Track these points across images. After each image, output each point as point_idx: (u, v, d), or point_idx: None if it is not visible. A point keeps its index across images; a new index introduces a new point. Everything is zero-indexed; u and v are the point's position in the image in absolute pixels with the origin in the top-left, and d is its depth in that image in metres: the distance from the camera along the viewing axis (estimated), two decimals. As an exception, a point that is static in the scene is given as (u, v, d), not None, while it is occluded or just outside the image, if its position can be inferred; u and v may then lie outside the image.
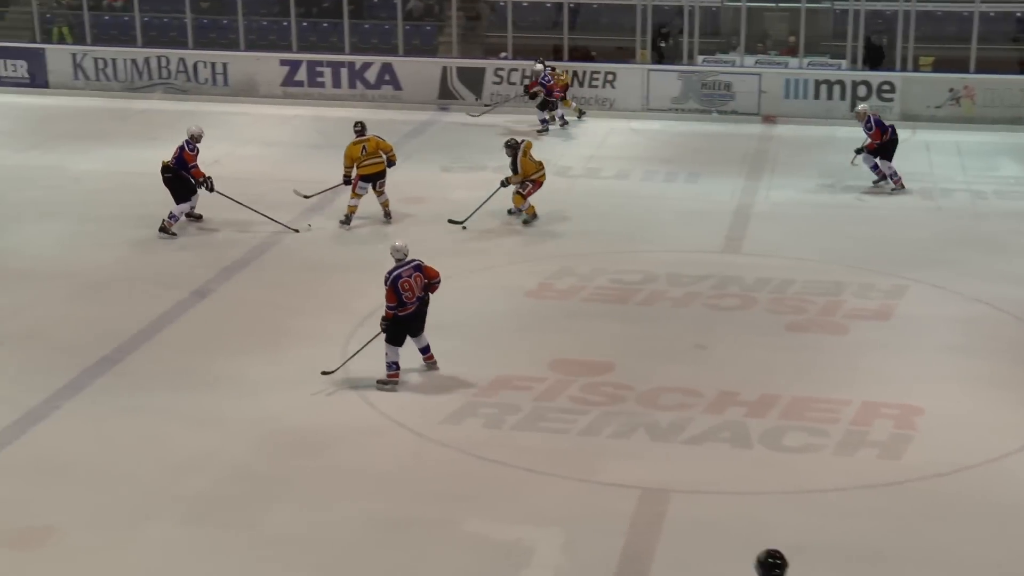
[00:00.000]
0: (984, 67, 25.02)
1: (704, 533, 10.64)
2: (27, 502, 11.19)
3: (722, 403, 13.00)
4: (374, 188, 18.68)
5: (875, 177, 20.61)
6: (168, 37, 28.05)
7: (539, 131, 24.18)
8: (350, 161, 18.81)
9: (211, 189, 18.36)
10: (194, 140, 18.45)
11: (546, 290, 16.24)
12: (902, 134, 20.97)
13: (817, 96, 25.20)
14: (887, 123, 20.74)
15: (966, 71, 24.97)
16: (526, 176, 18.73)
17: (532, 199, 18.82)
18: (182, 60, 27.32)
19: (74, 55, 27.81)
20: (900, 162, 20.60)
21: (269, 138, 23.77)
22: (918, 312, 15.48)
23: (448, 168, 21.94)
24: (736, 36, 26.27)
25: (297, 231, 18.31)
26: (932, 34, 25.99)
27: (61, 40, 28.54)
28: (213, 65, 27.17)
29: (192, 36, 27.74)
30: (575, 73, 25.68)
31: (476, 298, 15.93)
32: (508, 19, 26.75)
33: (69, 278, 16.52)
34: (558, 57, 26.10)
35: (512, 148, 18.84)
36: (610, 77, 25.82)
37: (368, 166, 18.73)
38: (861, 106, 21.60)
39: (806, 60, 25.81)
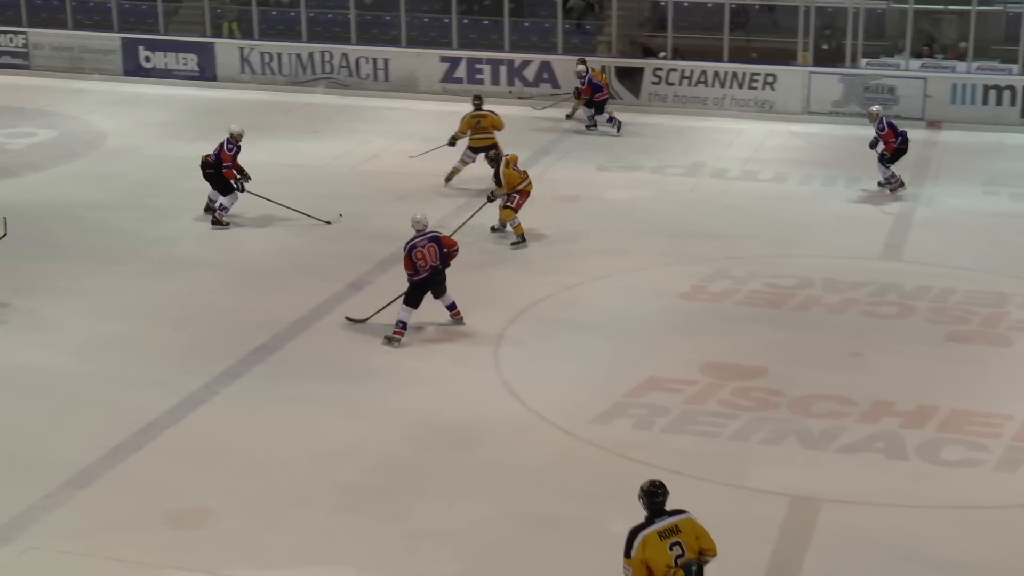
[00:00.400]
0: None
1: (855, 545, 10.44)
2: (186, 483, 11.48)
3: (877, 412, 12.74)
4: (486, 157, 19.00)
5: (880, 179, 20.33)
6: (332, 33, 28.49)
7: (586, 126, 24.22)
8: (465, 127, 20.43)
9: (243, 190, 18.56)
10: (235, 139, 18.63)
11: (699, 292, 16.10)
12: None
13: (985, 102, 24.51)
14: (900, 129, 20.31)
15: None
16: (511, 188, 17.80)
17: (522, 215, 17.92)
18: (345, 55, 27.73)
19: (241, 49, 28.44)
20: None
21: (427, 133, 23.92)
22: (1086, 326, 15.00)
23: (604, 167, 21.89)
24: (901, 39, 25.71)
25: (328, 223, 18.44)
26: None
27: (230, 35, 29.19)
28: (375, 61, 27.52)
29: (355, 32, 28.12)
30: (735, 74, 25.43)
31: (628, 298, 15.87)
32: (668, 19, 26.56)
33: (230, 267, 16.90)
34: (717, 57, 25.86)
35: (494, 161, 18.07)
36: (770, 79, 25.48)
37: (478, 139, 20.23)
38: (874, 107, 21.03)
39: (974, 64, 25.13)
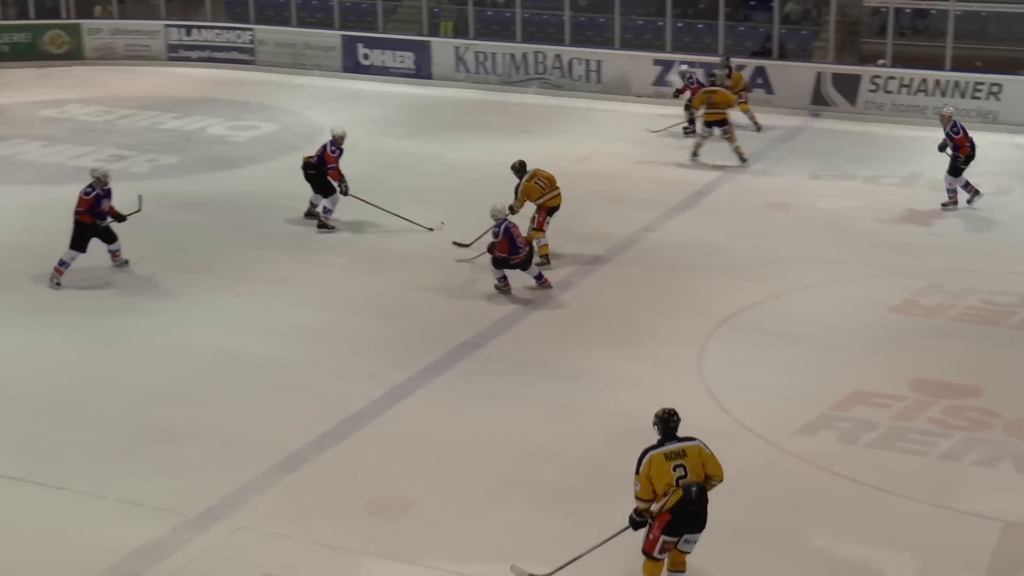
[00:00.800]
0: None
1: (1070, 575, 10.06)
2: (389, 473, 11.71)
3: (1099, 439, 12.24)
4: (723, 134, 20.96)
5: (967, 195, 19.38)
6: (546, 33, 28.65)
7: (686, 131, 23.75)
8: (698, 103, 21.95)
9: (346, 192, 18.49)
10: (337, 142, 18.55)
11: (911, 306, 15.68)
12: None
13: None
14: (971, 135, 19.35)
15: None
16: (528, 199, 17.12)
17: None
18: (558, 56, 27.88)
19: (457, 48, 28.84)
20: None
21: (639, 136, 23.94)
22: None
23: (817, 175, 21.51)
24: None
25: (431, 229, 18.14)
26: None
27: (446, 34, 29.63)
28: (587, 62, 27.59)
29: (569, 33, 28.25)
30: (956, 83, 24.69)
31: (837, 309, 15.57)
32: (889, 26, 25.97)
33: (438, 263, 17.14)
34: (939, 66, 25.16)
35: (517, 171, 17.36)
36: (995, 89, 24.64)
37: (711, 114, 21.60)
38: (946, 110, 19.90)
39: None
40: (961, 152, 19.28)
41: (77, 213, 16.53)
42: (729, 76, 24.14)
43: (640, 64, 27.28)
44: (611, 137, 23.91)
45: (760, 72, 26.18)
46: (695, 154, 21.80)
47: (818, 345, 14.45)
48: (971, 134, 19.48)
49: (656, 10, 28.03)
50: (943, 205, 19.40)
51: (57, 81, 29.28)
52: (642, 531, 9.65)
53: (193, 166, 22.20)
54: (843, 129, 24.05)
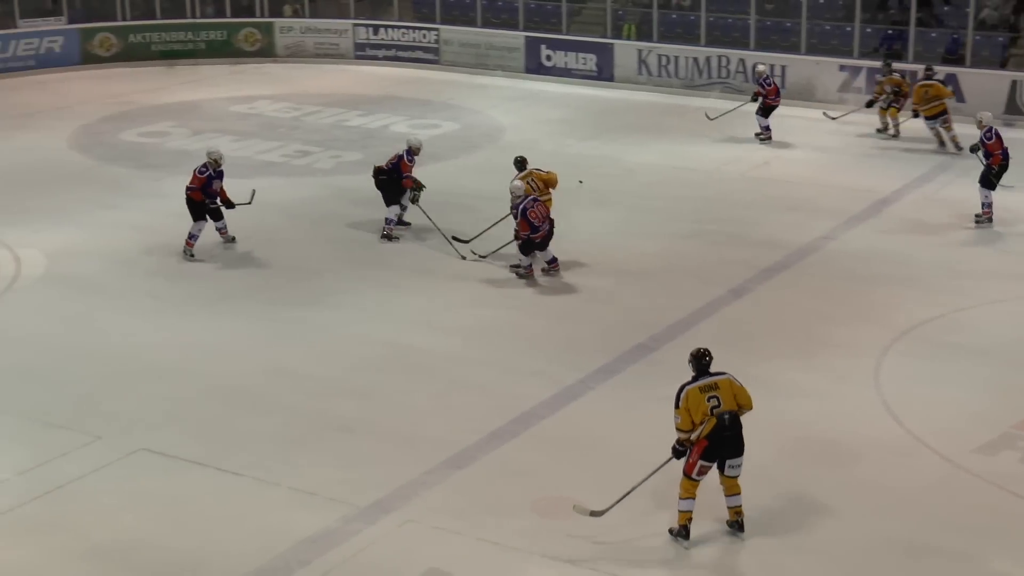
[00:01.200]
0: None
1: None
2: (557, 474, 11.73)
3: None
4: (940, 124, 21.83)
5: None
6: (730, 37, 28.38)
7: (760, 138, 23.46)
8: (917, 98, 22.49)
9: (415, 201, 18.22)
10: (413, 152, 18.37)
11: (1104, 325, 15.12)
12: None
13: None
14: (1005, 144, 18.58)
15: None
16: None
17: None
18: (742, 61, 27.58)
19: (639, 51, 28.76)
20: None
21: (820, 143, 23.56)
22: None
23: (1008, 187, 20.80)
24: None
25: (464, 258, 17.37)
26: None
27: (628, 36, 29.57)
28: (771, 67, 27.23)
29: (754, 37, 27.93)
30: None
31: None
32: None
33: (614, 265, 17.12)
34: None
35: (517, 165, 17.46)
36: None
37: (930, 108, 22.25)
38: (985, 114, 19.00)
39: None
40: (993, 161, 18.51)
41: (189, 189, 17.40)
42: (886, 76, 23.83)
43: (826, 70, 26.81)
44: (792, 142, 23.56)
45: (951, 79, 25.47)
46: (943, 144, 22.66)
47: (1002, 361, 14.01)
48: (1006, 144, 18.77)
49: (844, 15, 27.53)
50: (976, 219, 18.65)
51: (249, 78, 30.11)
52: (683, 460, 10.61)
53: (376, 163, 22.48)
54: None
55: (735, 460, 10.53)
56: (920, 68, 23.90)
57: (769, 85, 23.76)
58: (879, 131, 23.77)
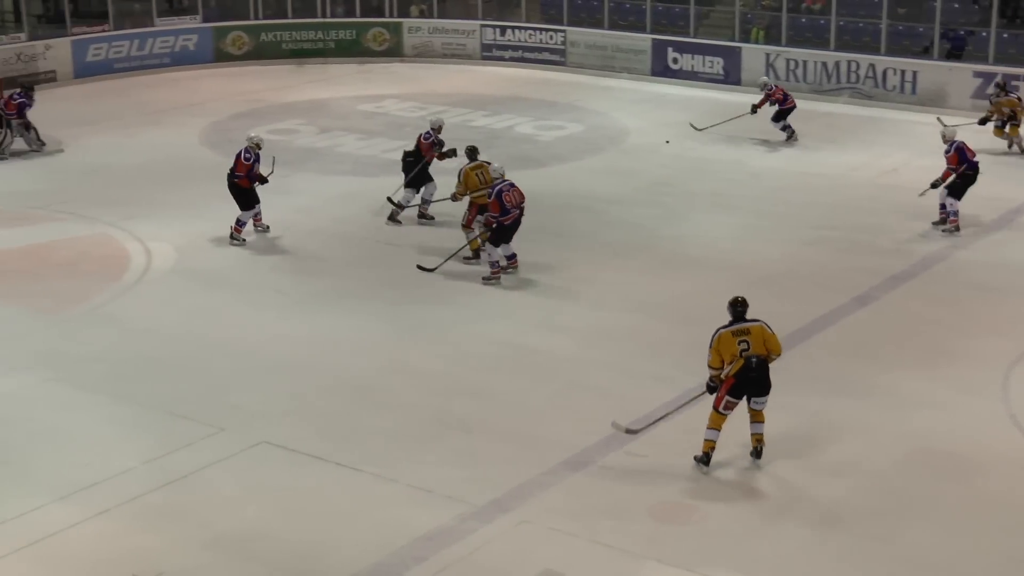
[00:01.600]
0: None
1: None
2: (674, 478, 11.67)
3: None
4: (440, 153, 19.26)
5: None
6: (860, 41, 27.97)
7: (788, 139, 23.83)
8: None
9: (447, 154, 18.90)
10: (435, 131, 19.23)
11: None
12: None
13: None
14: (971, 154, 18.39)
15: None
16: (468, 190, 17.28)
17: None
18: (872, 66, 27.17)
19: (768, 55, 28.49)
20: None
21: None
22: None
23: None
24: None
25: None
26: None
27: (757, 40, 29.30)
28: (903, 73, 26.81)
29: (885, 42, 27.50)
30: None
31: None
32: None
33: (735, 270, 16.98)
34: None
35: (468, 153, 17.80)
36: None
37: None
38: (947, 129, 19.08)
39: None
40: (943, 175, 18.48)
41: (237, 177, 17.97)
42: (999, 96, 23.24)
43: (959, 76, 26.29)
44: (922, 150, 23.06)
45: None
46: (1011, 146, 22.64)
47: None
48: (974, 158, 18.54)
49: (980, 19, 26.97)
50: (941, 231, 18.48)
51: (376, 77, 30.44)
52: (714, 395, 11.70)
53: (499, 163, 22.59)
54: None
55: (759, 399, 11.74)
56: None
57: (772, 91, 23.80)
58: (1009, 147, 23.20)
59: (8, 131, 22.81)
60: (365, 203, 19.93)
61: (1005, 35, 26.55)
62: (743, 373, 11.55)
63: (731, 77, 28.79)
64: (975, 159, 18.52)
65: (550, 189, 20.82)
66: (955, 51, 26.43)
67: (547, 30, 31.35)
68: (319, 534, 10.77)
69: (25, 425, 12.68)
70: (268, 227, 18.51)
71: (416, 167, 18.95)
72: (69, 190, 20.78)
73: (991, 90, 23.97)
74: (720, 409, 11.70)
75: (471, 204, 17.44)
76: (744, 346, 11.56)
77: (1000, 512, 11.08)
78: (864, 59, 27.31)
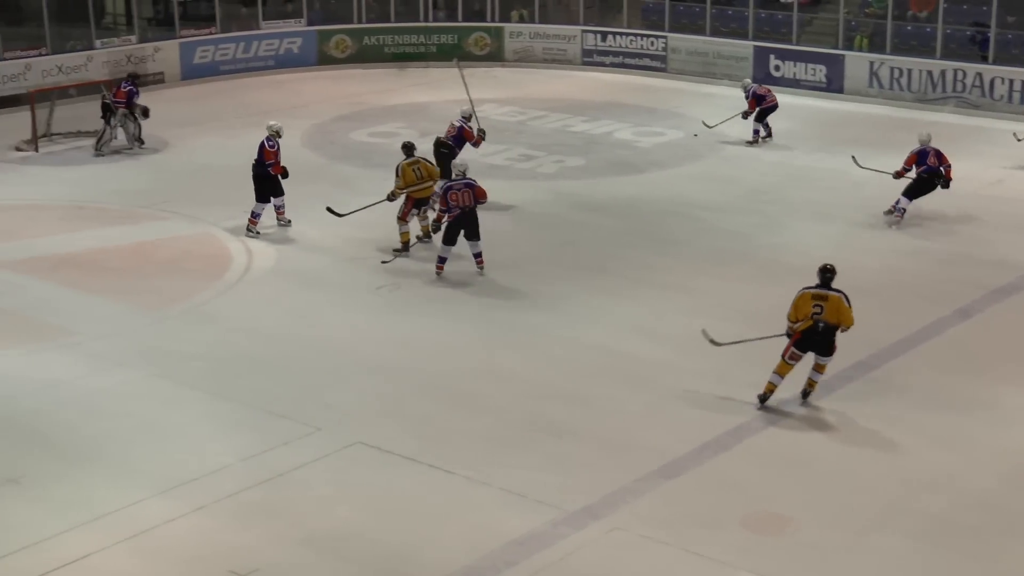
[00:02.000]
0: None
1: None
2: (768, 489, 11.59)
3: None
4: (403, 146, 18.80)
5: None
6: (968, 51, 27.53)
7: (750, 143, 24.07)
8: None
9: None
10: (466, 117, 20.37)
11: None
12: None
13: None
14: (934, 162, 18.91)
15: None
16: (406, 185, 17.64)
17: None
18: (979, 75, 26.71)
19: (871, 63, 28.13)
20: None
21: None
22: None
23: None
24: None
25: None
26: None
27: (861, 48, 28.95)
28: (1011, 82, 26.32)
29: (993, 50, 27.02)
30: None
31: None
32: None
33: (837, 281, 16.76)
34: None
35: (404, 149, 18.02)
36: None
37: None
38: (924, 133, 19.62)
39: None
40: (897, 173, 19.28)
41: (268, 166, 18.51)
42: (748, 93, 24.10)
43: (1070, 85, 25.80)
44: (1030, 161, 22.76)
45: None
46: None
47: None
48: (936, 162, 19.02)
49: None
50: (890, 223, 19.23)
51: (477, 81, 30.35)
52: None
53: (597, 169, 22.67)
54: None
55: (823, 359, 13.00)
56: None
57: (750, 96, 24.10)
58: None
59: (108, 128, 23.35)
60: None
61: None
62: (809, 333, 12.79)
63: (833, 85, 28.47)
64: (935, 167, 18.99)
65: (648, 195, 20.79)
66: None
67: (648, 36, 31.24)
68: (411, 535, 10.84)
69: (127, 420, 12.92)
70: (290, 221, 18.95)
71: (451, 157, 19.46)
72: (173, 189, 21.14)
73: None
74: (786, 358, 12.94)
75: (407, 198, 17.82)
76: (818, 310, 12.76)
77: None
78: (971, 68, 26.87)
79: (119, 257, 17.89)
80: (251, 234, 18.54)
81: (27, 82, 26.73)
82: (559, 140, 24.86)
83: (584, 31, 32.06)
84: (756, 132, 24.25)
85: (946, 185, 19.05)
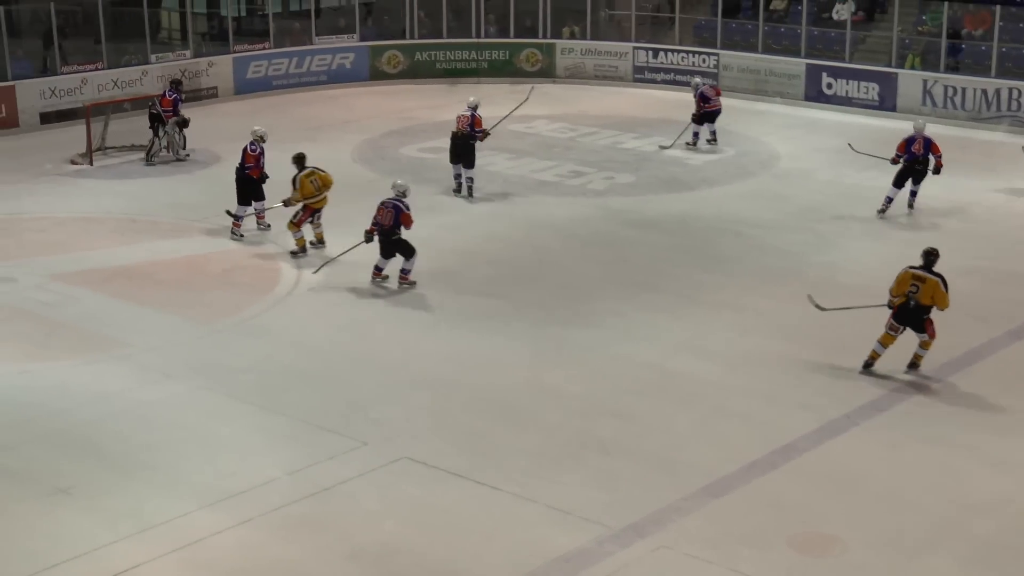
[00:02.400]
0: None
1: None
2: (816, 509, 11.51)
3: None
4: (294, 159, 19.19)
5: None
6: (1023, 69, 27.31)
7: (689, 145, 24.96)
8: None
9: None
10: (472, 108, 21.20)
11: None
12: None
13: None
14: (918, 150, 20.19)
15: None
16: (304, 196, 18.26)
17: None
18: (1034, 93, 26.53)
19: (925, 81, 27.94)
20: None
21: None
22: None
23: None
24: None
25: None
26: None
27: (914, 66, 28.76)
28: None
29: (1049, 69, 26.83)
30: None
31: None
32: None
33: (886, 297, 16.65)
34: None
35: (296, 162, 18.47)
36: None
37: None
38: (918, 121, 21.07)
39: None
40: (893, 160, 20.46)
41: (247, 169, 19.21)
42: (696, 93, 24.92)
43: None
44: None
45: None
46: None
47: None
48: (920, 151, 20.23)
49: None
50: (878, 211, 20.51)
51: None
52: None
53: (648, 186, 22.63)
54: None
55: (920, 336, 14.10)
56: None
57: (699, 93, 24.91)
58: None
59: (156, 138, 23.64)
60: (513, 222, 20.06)
61: None
62: (902, 309, 14.00)
63: (886, 103, 28.29)
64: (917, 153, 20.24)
65: (699, 212, 20.73)
66: None
67: (700, 53, 31.20)
68: (456, 551, 10.84)
69: (176, 432, 13.01)
70: (270, 225, 19.54)
71: (472, 146, 20.94)
72: (225, 203, 21.26)
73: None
74: (887, 329, 14.14)
75: (305, 206, 18.42)
76: (914, 289, 13.89)
77: None
78: (1027, 87, 26.66)
79: (171, 270, 18.04)
80: (235, 237, 19.18)
81: (83, 96, 27.04)
82: (609, 156, 24.84)
83: (636, 48, 32.05)
84: (696, 135, 25.00)
85: (936, 171, 20.37)
